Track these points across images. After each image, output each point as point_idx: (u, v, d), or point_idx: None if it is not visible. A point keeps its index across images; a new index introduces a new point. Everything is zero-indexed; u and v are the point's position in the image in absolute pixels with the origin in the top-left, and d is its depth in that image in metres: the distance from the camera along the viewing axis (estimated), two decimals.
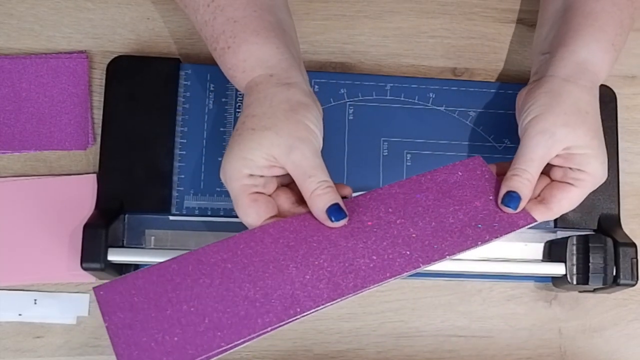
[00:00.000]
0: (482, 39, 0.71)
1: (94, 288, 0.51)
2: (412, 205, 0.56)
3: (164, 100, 0.65)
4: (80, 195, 0.65)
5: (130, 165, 0.64)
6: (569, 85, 0.58)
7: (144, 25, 0.69)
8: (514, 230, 0.56)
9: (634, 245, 0.63)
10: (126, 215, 0.64)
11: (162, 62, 0.66)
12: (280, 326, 0.51)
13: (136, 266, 0.64)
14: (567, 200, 0.58)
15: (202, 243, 0.64)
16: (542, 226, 0.66)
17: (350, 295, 0.52)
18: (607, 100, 0.68)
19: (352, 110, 0.67)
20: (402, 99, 0.67)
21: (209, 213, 0.64)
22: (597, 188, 0.66)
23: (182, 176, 0.64)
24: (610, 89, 0.69)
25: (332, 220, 0.54)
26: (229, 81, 0.66)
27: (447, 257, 0.54)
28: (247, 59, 0.56)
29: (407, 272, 0.53)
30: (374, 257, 0.54)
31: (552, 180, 0.59)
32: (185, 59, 0.67)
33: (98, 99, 0.67)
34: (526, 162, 0.57)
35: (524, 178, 0.56)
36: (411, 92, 0.67)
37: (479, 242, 0.55)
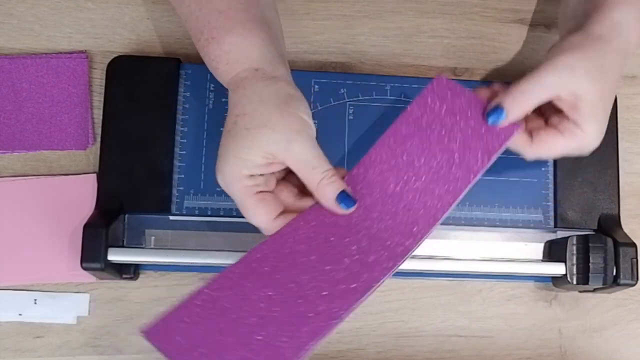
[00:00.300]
0: (482, 39, 0.71)
1: (142, 331, 0.50)
2: (406, 156, 0.56)
3: (164, 100, 0.65)
4: (80, 195, 0.65)
5: (130, 165, 0.64)
6: (599, 43, 0.56)
7: (144, 25, 0.69)
8: (505, 142, 0.55)
9: (634, 245, 0.64)
10: (126, 215, 0.64)
11: (162, 62, 0.66)
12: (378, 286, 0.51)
13: (136, 266, 0.64)
14: (548, 146, 0.57)
15: (202, 243, 0.64)
16: (542, 226, 0.66)
17: (423, 239, 0.53)
18: None
19: (352, 110, 0.67)
20: (402, 99, 0.67)
21: (209, 213, 0.64)
22: (597, 188, 0.66)
23: (182, 176, 0.64)
24: None
25: (343, 208, 0.54)
26: None
27: (465, 188, 0.55)
28: (232, 51, 0.56)
29: (447, 210, 0.54)
30: (408, 215, 0.54)
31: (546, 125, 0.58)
32: (185, 59, 0.67)
33: (98, 99, 0.67)
34: (531, 84, 0.55)
35: (518, 98, 0.55)
36: (411, 92, 0.67)
37: (481, 167, 0.55)
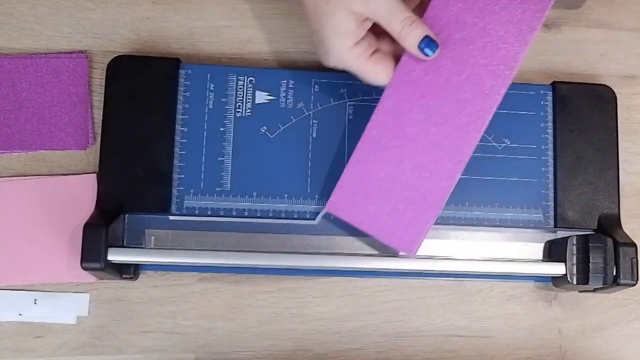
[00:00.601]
0: None
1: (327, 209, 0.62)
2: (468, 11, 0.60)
3: (164, 100, 0.65)
4: (80, 195, 0.65)
5: (130, 165, 0.64)
6: None
7: (144, 25, 0.69)
8: None
9: (634, 245, 0.63)
10: (126, 215, 0.64)
11: (162, 62, 0.66)
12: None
13: (136, 266, 0.64)
14: None
15: (202, 243, 0.64)
16: (542, 226, 0.66)
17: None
18: (607, 100, 0.68)
19: (352, 110, 0.67)
20: None
21: (209, 213, 0.64)
22: (597, 188, 0.67)
23: (182, 176, 0.64)
24: (610, 89, 0.69)
25: (426, 55, 0.56)
26: (228, 81, 0.66)
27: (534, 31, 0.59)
28: None
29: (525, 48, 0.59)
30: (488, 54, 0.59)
31: None
32: (185, 59, 0.67)
33: (98, 99, 0.67)
34: None
35: None
36: None
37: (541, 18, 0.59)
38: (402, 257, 0.63)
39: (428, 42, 0.57)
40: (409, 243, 0.61)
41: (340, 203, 0.61)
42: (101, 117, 0.65)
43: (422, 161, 0.60)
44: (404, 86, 0.59)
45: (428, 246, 0.65)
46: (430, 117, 0.59)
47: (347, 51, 0.56)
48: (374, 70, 0.58)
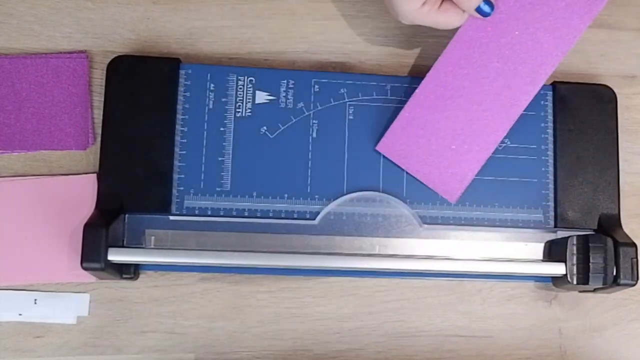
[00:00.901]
0: None
1: (377, 148, 0.65)
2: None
3: (164, 100, 0.65)
4: (80, 195, 0.65)
5: (130, 165, 0.64)
6: None
7: (144, 25, 0.69)
8: None
9: (634, 245, 0.63)
10: (126, 215, 0.64)
11: (162, 62, 0.66)
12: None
13: (136, 266, 0.64)
14: None
15: (202, 243, 0.64)
16: (542, 226, 0.66)
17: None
18: (607, 100, 0.68)
19: (352, 110, 0.67)
20: (402, 98, 0.67)
21: (209, 213, 0.64)
22: (597, 188, 0.67)
23: (182, 176, 0.64)
24: (610, 89, 0.69)
25: (484, 15, 0.62)
26: (228, 81, 0.66)
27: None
28: None
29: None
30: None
31: None
32: (185, 59, 0.67)
33: (98, 99, 0.67)
34: None
35: None
36: (411, 92, 0.67)
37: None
38: (402, 257, 0.63)
39: (484, 6, 0.61)
40: (453, 191, 0.65)
41: (391, 145, 0.65)
42: (101, 117, 0.65)
43: (474, 115, 0.64)
44: (465, 42, 0.64)
45: (428, 246, 0.65)
46: (487, 74, 0.64)
47: (417, 12, 0.61)
48: (446, 20, 0.62)
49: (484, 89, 0.64)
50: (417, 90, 0.65)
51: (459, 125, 0.64)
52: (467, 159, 0.65)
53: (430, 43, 0.71)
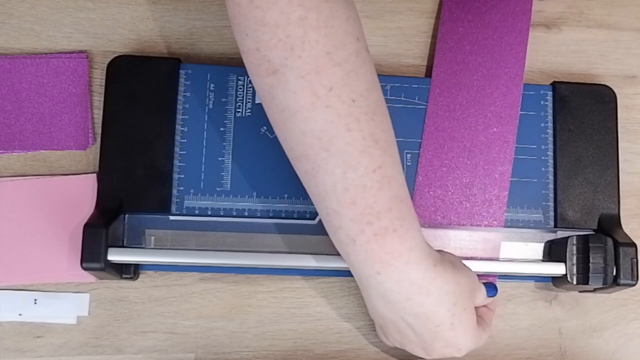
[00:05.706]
0: None
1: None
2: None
3: (164, 100, 0.65)
4: (80, 195, 0.65)
5: (130, 165, 0.64)
6: None
7: (144, 25, 0.69)
8: None
9: (634, 245, 0.63)
10: (126, 215, 0.64)
11: (162, 62, 0.66)
12: None
13: (136, 266, 0.64)
14: None
15: (202, 243, 0.64)
16: (542, 226, 0.66)
17: None
18: (607, 100, 0.68)
19: None
20: (402, 98, 0.67)
21: (209, 213, 0.64)
22: (597, 188, 0.67)
23: (182, 176, 0.65)
24: (610, 89, 0.69)
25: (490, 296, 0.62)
26: (229, 81, 0.66)
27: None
28: (413, 249, 0.51)
29: None
30: None
31: None
32: (185, 59, 0.67)
33: (98, 99, 0.67)
34: None
35: None
36: (411, 92, 0.67)
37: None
38: None
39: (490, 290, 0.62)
40: (497, 221, 0.66)
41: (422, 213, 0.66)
42: (101, 117, 0.65)
43: (479, 159, 0.67)
44: (439, 101, 0.67)
45: None
46: (469, 118, 0.67)
47: (479, 336, 0.59)
48: (485, 332, 0.61)
49: (474, 131, 0.66)
50: (419, 165, 0.66)
51: (469, 174, 0.66)
52: (493, 191, 0.66)
53: (430, 43, 0.71)
